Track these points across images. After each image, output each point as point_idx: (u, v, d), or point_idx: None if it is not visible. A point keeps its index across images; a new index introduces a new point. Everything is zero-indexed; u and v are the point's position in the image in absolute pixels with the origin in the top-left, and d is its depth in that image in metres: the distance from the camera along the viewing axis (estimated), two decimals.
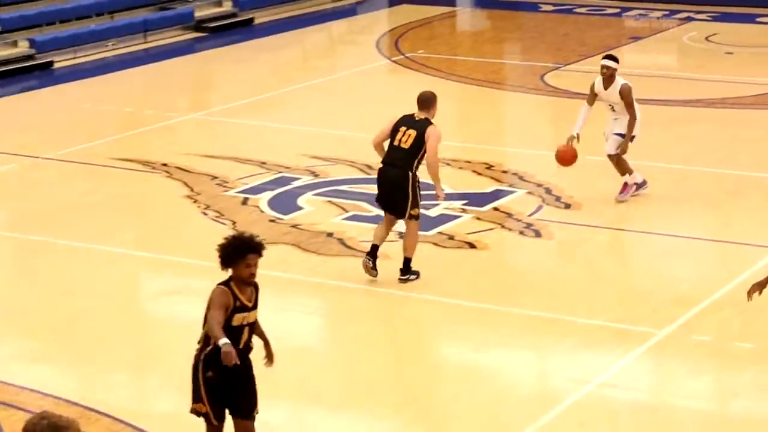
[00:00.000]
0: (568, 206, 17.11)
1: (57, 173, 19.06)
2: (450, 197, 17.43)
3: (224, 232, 15.96)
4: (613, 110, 16.95)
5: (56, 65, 25.93)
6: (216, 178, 18.32)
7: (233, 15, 30.07)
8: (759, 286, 10.67)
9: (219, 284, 9.72)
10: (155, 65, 26.32)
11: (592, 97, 17.13)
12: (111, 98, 23.63)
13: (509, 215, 16.90)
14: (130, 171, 18.93)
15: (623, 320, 13.73)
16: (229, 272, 9.72)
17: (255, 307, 9.80)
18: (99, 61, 26.45)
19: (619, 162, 17.08)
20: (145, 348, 13.30)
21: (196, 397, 9.74)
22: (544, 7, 31.55)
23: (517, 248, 16.18)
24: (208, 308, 9.63)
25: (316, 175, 18.39)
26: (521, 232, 16.40)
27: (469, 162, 19.12)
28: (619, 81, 16.88)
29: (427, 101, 14.58)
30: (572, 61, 25.88)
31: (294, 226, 16.46)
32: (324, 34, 29.75)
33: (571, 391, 12.25)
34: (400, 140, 14.27)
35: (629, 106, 16.82)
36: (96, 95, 23.85)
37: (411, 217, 14.32)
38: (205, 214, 17.02)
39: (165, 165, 19.02)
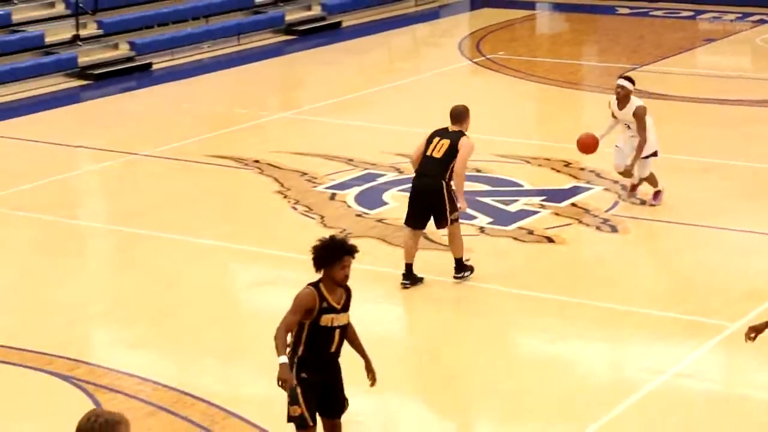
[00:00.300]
0: (643, 203, 17.00)
1: (155, 169, 19.22)
2: (529, 193, 17.44)
3: (313, 226, 16.11)
4: (629, 128, 16.46)
5: (154, 66, 26.13)
6: (305, 174, 18.39)
7: (322, 18, 30.15)
8: (755, 330, 10.13)
9: (308, 285, 9.57)
10: (247, 66, 26.42)
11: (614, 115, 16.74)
12: (206, 98, 23.81)
13: (586, 211, 16.83)
14: (223, 167, 19.04)
15: (697, 313, 13.64)
16: (320, 274, 9.55)
17: (345, 309, 9.61)
18: (195, 63, 26.63)
19: (628, 174, 16.73)
20: (238, 336, 13.40)
21: (292, 400, 9.53)
22: (621, 11, 31.35)
23: (594, 243, 16.10)
24: (290, 308, 9.48)
25: (401, 172, 18.40)
26: (598, 228, 16.33)
27: (548, 159, 19.05)
28: (635, 102, 16.40)
29: (459, 115, 14.29)
30: (647, 62, 25.69)
31: (379, 221, 16.50)
32: (408, 36, 29.76)
33: (646, 381, 12.18)
34: (433, 150, 14.03)
35: (642, 129, 16.24)
36: (192, 95, 24.03)
37: (452, 222, 14.14)
38: (294, 208, 17.10)
39: (257, 162, 19.12)
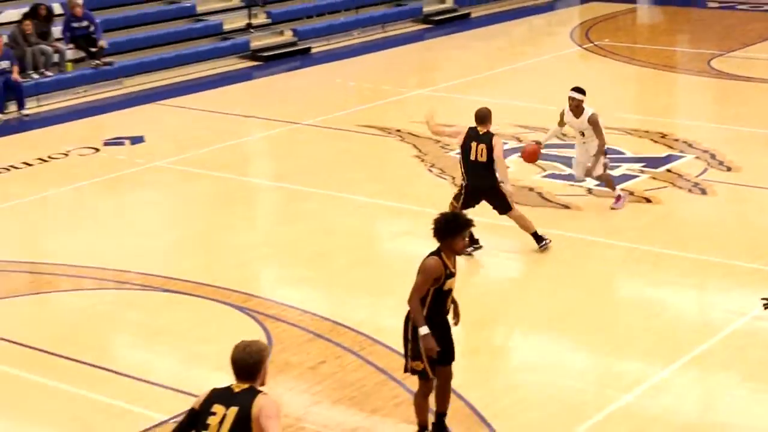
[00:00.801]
0: (729, 169, 16.70)
1: (314, 136, 19.33)
2: (630, 160, 17.24)
3: (445, 185, 16.09)
4: (583, 135, 15.21)
5: (313, 50, 26.23)
6: (439, 141, 18.34)
7: (454, 10, 29.98)
8: None
9: (431, 255, 9.20)
10: (391, 51, 26.38)
11: (562, 121, 15.35)
12: (356, 77, 23.85)
13: (679, 176, 16.58)
14: (370, 135, 19.11)
15: None
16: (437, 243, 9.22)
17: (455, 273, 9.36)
18: (347, 47, 26.67)
19: (608, 180, 15.40)
20: (383, 276, 13.38)
21: (415, 355, 9.23)
22: (711, 4, 30.75)
23: (685, 203, 15.84)
24: (420, 275, 9.14)
25: (520, 141, 18.27)
26: (689, 190, 16.08)
27: (647, 132, 18.78)
28: (588, 111, 14.96)
29: (485, 117, 13.73)
30: (734, 48, 25.15)
31: (501, 182, 16.37)
32: (526, 26, 29.45)
33: (730, 321, 12.00)
34: (476, 156, 13.56)
35: (599, 133, 14.92)
36: (344, 75, 24.07)
37: (512, 208, 13.80)
38: (430, 171, 17.10)
39: (398, 131, 19.15)
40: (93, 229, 15.23)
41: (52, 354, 11.46)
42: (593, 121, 14.95)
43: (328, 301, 12.82)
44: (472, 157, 13.60)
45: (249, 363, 6.90)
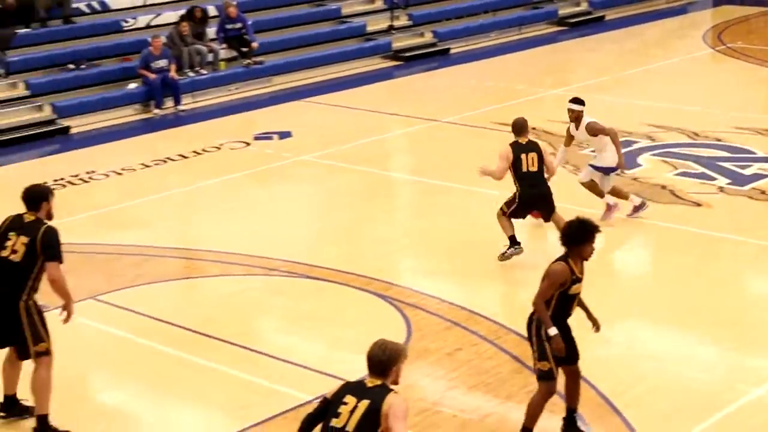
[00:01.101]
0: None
1: (452, 133, 19.26)
2: (762, 160, 16.82)
3: (575, 181, 15.86)
4: (589, 146, 14.40)
5: (452, 51, 26.14)
6: (573, 139, 18.06)
7: (588, 13, 29.59)
8: None
9: (558, 260, 9.01)
10: (526, 52, 26.15)
11: (569, 139, 14.59)
12: (492, 77, 23.69)
13: None
14: (506, 133, 18.80)
15: None
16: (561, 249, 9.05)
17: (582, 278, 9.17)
18: (484, 48, 26.51)
19: (593, 187, 14.39)
20: (514, 269, 13.25)
21: (542, 356, 9.03)
22: None
23: None
24: (546, 280, 8.96)
25: (653, 140, 17.95)
26: None
27: None
28: (586, 120, 14.15)
29: (522, 127, 13.33)
30: None
31: (635, 179, 16.13)
32: (659, 28, 28.89)
33: None
34: (528, 165, 13.12)
35: (603, 132, 13.96)
36: (480, 75, 23.94)
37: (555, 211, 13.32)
38: (564, 167, 16.77)
39: (533, 128, 18.87)
40: (242, 218, 15.41)
41: (202, 334, 11.61)
42: (592, 128, 14.02)
43: (465, 291, 12.72)
44: (524, 169, 13.15)
45: (382, 359, 6.98)
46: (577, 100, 14.32)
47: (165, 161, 18.06)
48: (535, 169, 13.13)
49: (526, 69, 24.51)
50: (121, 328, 11.86)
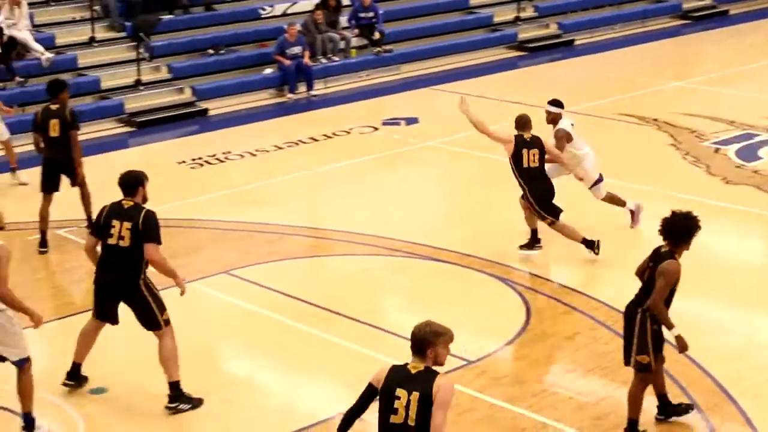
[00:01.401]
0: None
1: (576, 123, 18.82)
2: None
3: (699, 173, 15.49)
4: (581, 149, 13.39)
5: (576, 42, 25.77)
6: (694, 132, 17.72)
7: (713, 7, 28.88)
8: None
9: (670, 258, 8.60)
10: (649, 44, 25.62)
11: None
12: (615, 68, 23.28)
13: None
14: (629, 123, 18.61)
15: None
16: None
17: None
18: (608, 40, 26.07)
19: (612, 199, 13.73)
20: (627, 257, 12.86)
21: (642, 349, 8.71)
22: None
23: None
24: (663, 279, 8.55)
25: None
26: None
27: None
28: (560, 124, 13.24)
29: (526, 122, 12.82)
30: None
31: (755, 172, 15.70)
32: None
33: None
34: (529, 162, 12.65)
35: (556, 144, 12.99)
36: (604, 66, 23.56)
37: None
38: (684, 158, 16.50)
39: (655, 120, 18.58)
40: (368, 200, 15.40)
41: (327, 310, 11.64)
42: (556, 136, 13.10)
43: (583, 277, 12.55)
44: (525, 164, 12.72)
45: (418, 337, 6.97)
46: (554, 102, 13.46)
47: (297, 144, 18.16)
48: (536, 164, 12.77)
49: (649, 61, 24.02)
50: (252, 302, 11.95)
